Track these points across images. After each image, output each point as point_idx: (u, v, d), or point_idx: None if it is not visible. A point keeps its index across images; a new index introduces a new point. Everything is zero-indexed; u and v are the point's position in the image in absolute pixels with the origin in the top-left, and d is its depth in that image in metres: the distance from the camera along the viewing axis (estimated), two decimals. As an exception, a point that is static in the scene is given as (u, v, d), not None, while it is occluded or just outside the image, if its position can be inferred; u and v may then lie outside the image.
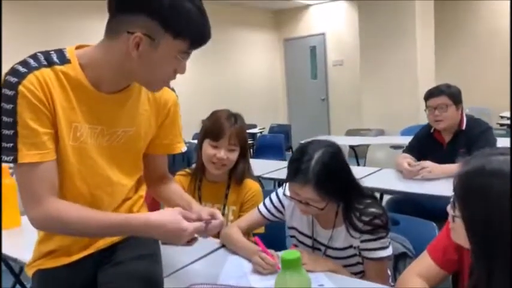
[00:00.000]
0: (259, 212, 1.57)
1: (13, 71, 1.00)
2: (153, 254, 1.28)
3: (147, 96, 1.23)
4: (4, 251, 1.61)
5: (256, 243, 1.36)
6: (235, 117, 1.78)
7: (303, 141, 1.48)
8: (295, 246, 1.49)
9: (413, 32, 5.02)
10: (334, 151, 1.34)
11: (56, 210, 1.05)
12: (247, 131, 6.09)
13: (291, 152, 5.07)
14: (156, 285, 1.19)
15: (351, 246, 1.38)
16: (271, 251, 1.33)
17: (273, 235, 1.72)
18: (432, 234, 1.56)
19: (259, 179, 2.93)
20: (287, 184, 1.37)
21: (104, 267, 1.22)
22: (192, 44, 1.05)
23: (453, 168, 2.17)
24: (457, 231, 0.94)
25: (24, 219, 1.97)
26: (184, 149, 1.41)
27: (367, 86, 5.67)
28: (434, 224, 1.61)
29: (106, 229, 1.08)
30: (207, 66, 6.91)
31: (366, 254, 1.35)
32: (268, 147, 4.85)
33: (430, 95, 2.48)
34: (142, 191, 1.37)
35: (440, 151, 2.47)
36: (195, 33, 1.03)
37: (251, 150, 5.67)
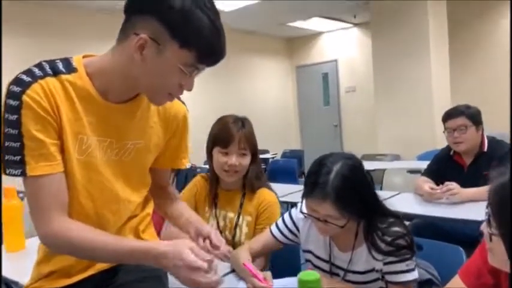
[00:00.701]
0: (271, 233, 1.48)
1: (17, 80, 0.96)
2: (158, 276, 1.20)
3: (156, 108, 1.17)
4: (6, 274, 1.55)
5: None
6: (243, 121, 1.72)
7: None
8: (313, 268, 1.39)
9: (427, 55, 4.98)
10: (354, 163, 1.25)
11: (68, 231, 0.99)
12: (260, 156, 6.03)
13: (303, 178, 4.94)
14: None
15: (373, 270, 1.27)
16: (265, 273, 1.25)
17: (286, 260, 1.62)
18: (459, 259, 1.46)
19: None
20: (303, 201, 1.28)
21: None
22: (199, 58, 0.97)
23: (481, 191, 2.07)
24: (496, 252, 0.84)
25: (28, 242, 1.92)
26: (188, 165, 1.35)
27: (381, 111, 5.60)
28: (461, 249, 1.50)
29: (118, 256, 1.01)
30: (220, 92, 6.95)
31: (390, 277, 1.24)
32: (280, 172, 4.75)
33: (448, 116, 2.40)
34: (150, 208, 1.31)
35: (461, 174, 2.36)
36: (203, 46, 0.96)
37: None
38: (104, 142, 1.08)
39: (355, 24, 7.58)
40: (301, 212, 1.30)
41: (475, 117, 2.33)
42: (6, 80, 0.99)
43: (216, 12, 0.98)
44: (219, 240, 1.19)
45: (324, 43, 8.13)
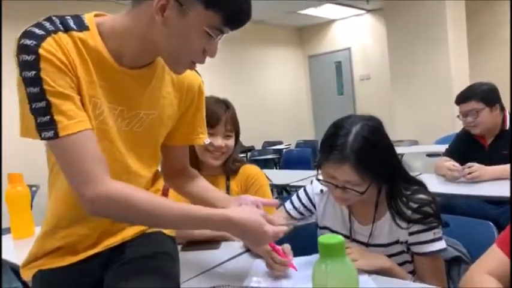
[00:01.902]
0: (287, 212, 1.39)
1: (28, 33, 0.86)
2: (168, 252, 1.12)
3: (171, 77, 1.09)
4: (14, 260, 1.52)
5: None
6: (225, 103, 1.66)
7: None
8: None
9: (445, 38, 4.82)
10: (375, 125, 1.15)
11: (121, 190, 0.90)
12: (274, 147, 5.94)
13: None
14: (172, 284, 1.02)
15: (397, 242, 1.17)
16: (284, 246, 1.17)
17: (302, 240, 1.54)
18: (490, 235, 1.35)
19: (286, 188, 2.77)
20: (319, 169, 1.18)
21: (111, 267, 1.06)
22: (225, 20, 0.89)
23: (503, 169, 2.02)
24: None
25: (38, 229, 1.87)
26: (207, 141, 1.27)
27: (398, 97, 5.47)
28: (491, 223, 1.39)
29: (181, 218, 0.94)
30: (232, 83, 6.86)
31: (416, 248, 1.15)
32: (295, 162, 4.65)
33: (458, 100, 2.29)
34: (160, 184, 1.23)
35: (481, 153, 2.27)
36: (231, 7, 0.88)
37: (277, 164, 5.51)
38: (114, 110, 1.00)
39: (368, 11, 7.41)
40: (317, 179, 1.19)
41: (487, 97, 2.20)
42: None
43: None
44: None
45: (336, 31, 7.98)
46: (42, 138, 0.87)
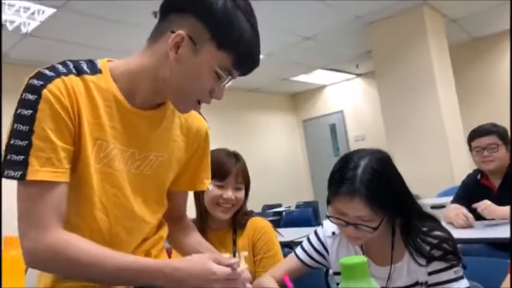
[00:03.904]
0: (297, 257, 1.33)
1: (38, 74, 0.87)
2: None
3: (180, 121, 1.09)
4: None
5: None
6: (236, 155, 1.66)
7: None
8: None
9: (435, 95, 4.96)
10: (384, 157, 1.14)
11: (65, 242, 0.85)
12: (274, 210, 5.85)
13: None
14: None
15: (416, 284, 1.11)
16: None
17: (311, 283, 1.47)
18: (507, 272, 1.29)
19: (290, 245, 2.68)
20: (328, 207, 1.14)
21: None
22: (236, 62, 0.91)
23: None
24: None
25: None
26: (210, 187, 1.24)
27: (395, 155, 5.44)
28: (509, 261, 1.34)
29: (122, 273, 0.86)
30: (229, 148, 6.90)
31: None
32: (296, 222, 4.56)
33: (476, 134, 2.29)
34: (164, 231, 1.18)
35: (491, 197, 2.21)
36: (242, 49, 0.90)
37: (278, 226, 5.38)
38: (125, 152, 0.98)
39: (358, 75, 7.72)
40: (327, 216, 1.14)
41: (504, 135, 2.24)
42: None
43: (255, 19, 0.93)
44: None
45: (328, 95, 8.24)
46: (4, 177, 0.82)
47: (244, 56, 0.92)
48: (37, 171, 0.83)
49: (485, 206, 2.02)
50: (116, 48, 4.54)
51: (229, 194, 1.57)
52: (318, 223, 5.28)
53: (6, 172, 0.83)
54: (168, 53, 0.90)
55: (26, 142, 0.83)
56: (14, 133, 0.84)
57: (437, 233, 1.11)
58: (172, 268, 0.87)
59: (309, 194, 8.36)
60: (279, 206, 6.37)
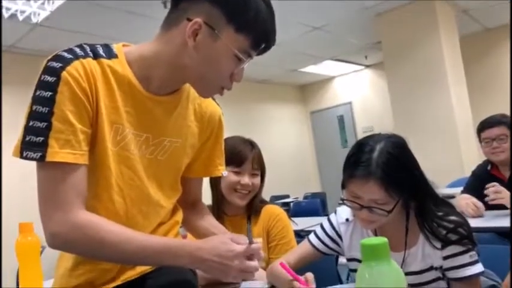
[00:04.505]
0: (311, 243, 1.33)
1: (57, 57, 0.88)
2: (189, 281, 1.07)
3: (193, 107, 1.10)
4: None
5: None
6: (251, 142, 1.69)
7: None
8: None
9: (446, 86, 4.91)
10: (399, 141, 1.14)
11: (90, 222, 0.86)
12: (281, 200, 5.88)
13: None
14: None
15: (431, 268, 1.12)
16: (307, 275, 1.12)
17: (321, 272, 1.47)
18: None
19: (300, 234, 2.70)
20: (343, 190, 1.15)
21: None
22: (254, 44, 0.92)
23: None
24: None
25: (47, 283, 1.79)
26: (225, 173, 1.25)
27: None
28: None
29: (146, 253, 0.88)
30: (236, 139, 6.92)
31: (453, 273, 1.08)
32: (304, 213, 4.57)
33: (485, 125, 2.29)
34: (179, 216, 1.19)
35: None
36: (260, 30, 0.92)
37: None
38: (139, 137, 0.99)
39: (367, 66, 7.66)
40: (342, 200, 1.15)
41: None
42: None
43: None
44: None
45: (337, 87, 8.20)
46: (23, 158, 0.83)
47: (262, 36, 0.93)
48: (56, 153, 0.84)
49: (496, 189, 2.01)
50: (125, 38, 4.52)
51: (246, 180, 1.60)
52: (326, 214, 5.33)
53: (25, 153, 0.84)
54: (185, 41, 0.90)
55: (46, 124, 0.84)
56: (33, 115, 0.85)
57: (452, 217, 1.11)
58: (196, 247, 0.90)
59: (316, 185, 8.35)
60: (287, 197, 6.39)
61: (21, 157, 0.84)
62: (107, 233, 0.87)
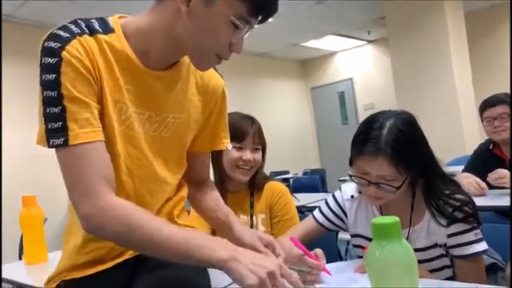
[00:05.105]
0: (315, 219, 1.34)
1: (53, 36, 0.85)
2: None
3: (195, 79, 1.07)
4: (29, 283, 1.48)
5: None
6: (250, 118, 1.67)
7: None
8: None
9: (449, 63, 4.88)
10: (409, 118, 1.14)
11: (122, 209, 0.83)
12: (281, 176, 5.90)
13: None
14: (204, 277, 0.99)
15: (435, 245, 1.13)
16: (316, 251, 1.13)
17: (321, 247, 1.50)
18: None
19: (301, 210, 2.72)
20: (351, 166, 1.15)
21: (140, 274, 1.01)
22: (253, 9, 0.86)
23: None
24: None
25: (51, 255, 1.81)
26: (230, 146, 1.25)
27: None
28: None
29: (175, 246, 0.81)
30: (236, 114, 6.89)
31: (457, 251, 1.10)
32: (303, 189, 4.60)
33: (488, 104, 2.27)
34: (184, 192, 1.18)
35: (503, 168, 2.21)
36: None
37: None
38: (142, 115, 0.97)
39: (370, 42, 7.56)
40: (349, 175, 1.15)
41: None
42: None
43: None
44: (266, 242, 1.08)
45: (338, 62, 8.11)
46: (50, 146, 0.83)
47: (261, 1, 0.87)
48: (78, 134, 0.83)
49: (499, 175, 2.01)
50: (124, 10, 4.44)
51: (248, 155, 1.59)
52: (326, 190, 5.37)
53: (51, 141, 0.83)
54: (178, 8, 0.86)
55: (60, 107, 0.83)
56: (46, 100, 0.83)
57: (459, 196, 1.11)
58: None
59: (316, 162, 8.37)
60: (286, 173, 6.40)
61: (49, 146, 0.83)
62: (144, 220, 0.83)
